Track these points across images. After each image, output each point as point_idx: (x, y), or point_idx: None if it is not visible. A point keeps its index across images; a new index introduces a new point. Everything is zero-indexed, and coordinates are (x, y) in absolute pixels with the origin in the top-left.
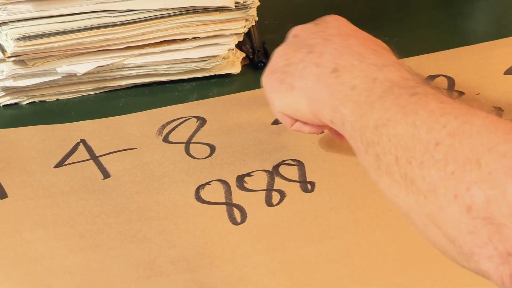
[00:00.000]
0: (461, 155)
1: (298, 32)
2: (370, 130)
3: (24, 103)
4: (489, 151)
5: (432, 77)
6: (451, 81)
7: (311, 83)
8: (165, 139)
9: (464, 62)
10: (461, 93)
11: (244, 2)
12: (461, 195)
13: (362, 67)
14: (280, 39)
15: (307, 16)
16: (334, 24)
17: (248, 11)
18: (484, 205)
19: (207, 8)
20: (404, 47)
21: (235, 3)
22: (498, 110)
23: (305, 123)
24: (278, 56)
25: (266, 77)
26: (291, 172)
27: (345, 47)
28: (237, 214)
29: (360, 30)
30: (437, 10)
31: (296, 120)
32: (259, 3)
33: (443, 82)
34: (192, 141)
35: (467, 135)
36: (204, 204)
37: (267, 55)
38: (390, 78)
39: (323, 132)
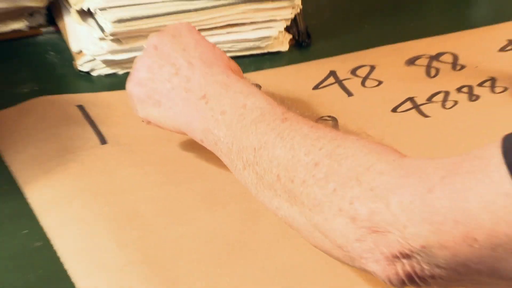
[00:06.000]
0: (341, 174)
1: (157, 44)
2: (248, 152)
3: (119, 72)
4: (367, 170)
5: (440, 54)
6: (455, 57)
7: (181, 106)
8: None
9: (465, 42)
10: (463, 66)
11: None
12: (345, 209)
13: (229, 94)
14: (320, 25)
15: (341, 5)
16: (190, 39)
17: (294, 1)
18: (369, 216)
19: None
20: (420, 31)
21: None
22: (493, 80)
23: None
24: (141, 67)
25: (133, 87)
26: (327, 125)
27: (210, 75)
28: None
29: (207, 42)
30: (446, 1)
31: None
32: None
33: (449, 57)
34: None
35: (344, 157)
36: None
37: (309, 36)
38: (258, 105)
39: None
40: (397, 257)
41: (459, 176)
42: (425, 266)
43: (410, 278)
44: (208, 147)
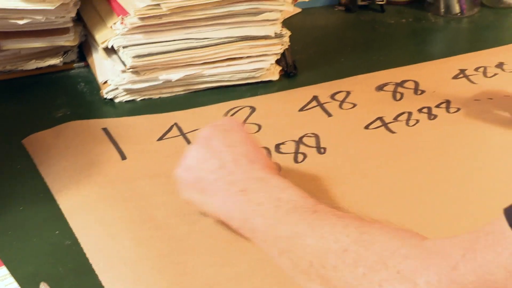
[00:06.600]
0: (369, 259)
1: (208, 137)
2: (283, 240)
3: (138, 99)
4: (393, 254)
5: (404, 81)
6: (416, 84)
7: (221, 197)
8: None
9: (425, 72)
10: (423, 91)
11: (280, 32)
12: None
13: (266, 189)
14: (305, 58)
15: (322, 43)
16: (238, 137)
17: (283, 38)
18: None
19: (256, 36)
20: (387, 63)
21: (275, 33)
22: (448, 102)
23: None
24: (192, 157)
25: (181, 172)
26: (310, 141)
27: (251, 172)
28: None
29: (252, 140)
30: (408, 39)
31: None
32: (290, 33)
33: (411, 84)
34: (246, 122)
35: (370, 243)
36: None
37: (296, 68)
38: (292, 198)
39: None
40: None
41: (478, 251)
42: None
43: None
44: (245, 234)
